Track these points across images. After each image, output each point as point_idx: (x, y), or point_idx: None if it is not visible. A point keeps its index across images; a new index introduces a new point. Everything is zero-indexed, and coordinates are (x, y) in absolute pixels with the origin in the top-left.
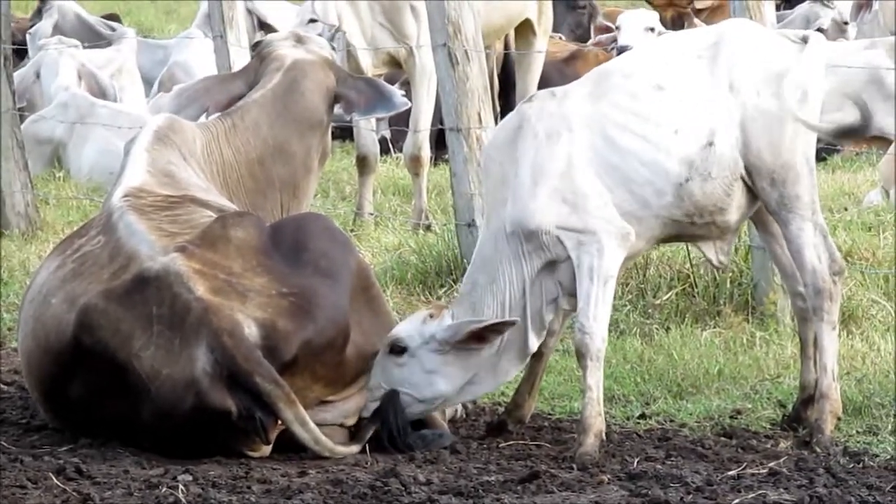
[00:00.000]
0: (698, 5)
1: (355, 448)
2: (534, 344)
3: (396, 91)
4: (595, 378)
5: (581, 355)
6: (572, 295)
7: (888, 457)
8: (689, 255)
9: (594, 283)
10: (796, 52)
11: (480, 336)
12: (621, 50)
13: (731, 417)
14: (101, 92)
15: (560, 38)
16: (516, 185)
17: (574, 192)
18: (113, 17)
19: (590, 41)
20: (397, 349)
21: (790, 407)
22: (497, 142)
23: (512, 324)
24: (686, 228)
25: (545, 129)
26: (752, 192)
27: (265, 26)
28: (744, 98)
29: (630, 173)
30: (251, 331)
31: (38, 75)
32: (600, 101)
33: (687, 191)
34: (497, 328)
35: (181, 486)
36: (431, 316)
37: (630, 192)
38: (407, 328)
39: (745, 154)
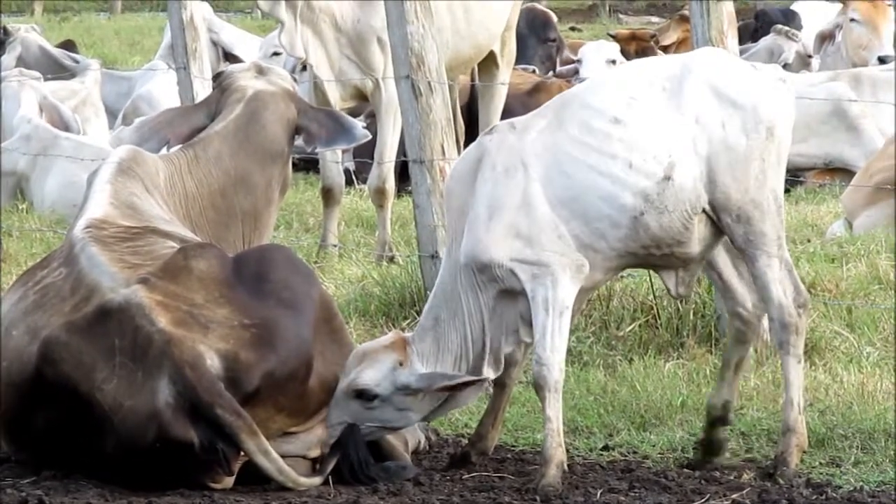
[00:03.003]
0: (664, 41)
1: (318, 480)
2: (490, 374)
3: (357, 123)
4: (554, 409)
5: (539, 387)
6: (532, 325)
7: (851, 488)
8: (652, 286)
9: (549, 315)
10: (764, 84)
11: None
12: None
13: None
14: (63, 124)
15: (534, 70)
16: (472, 218)
17: (529, 226)
18: (69, 44)
19: (548, 74)
20: (368, 396)
21: (753, 438)
22: (457, 173)
23: (484, 380)
24: (645, 259)
25: (503, 162)
26: (717, 226)
27: (230, 57)
28: (709, 132)
29: (585, 206)
30: (213, 362)
31: None
32: (557, 133)
33: (643, 224)
34: (471, 384)
35: None
36: (401, 364)
37: (586, 225)
38: (375, 377)
39: (710, 189)
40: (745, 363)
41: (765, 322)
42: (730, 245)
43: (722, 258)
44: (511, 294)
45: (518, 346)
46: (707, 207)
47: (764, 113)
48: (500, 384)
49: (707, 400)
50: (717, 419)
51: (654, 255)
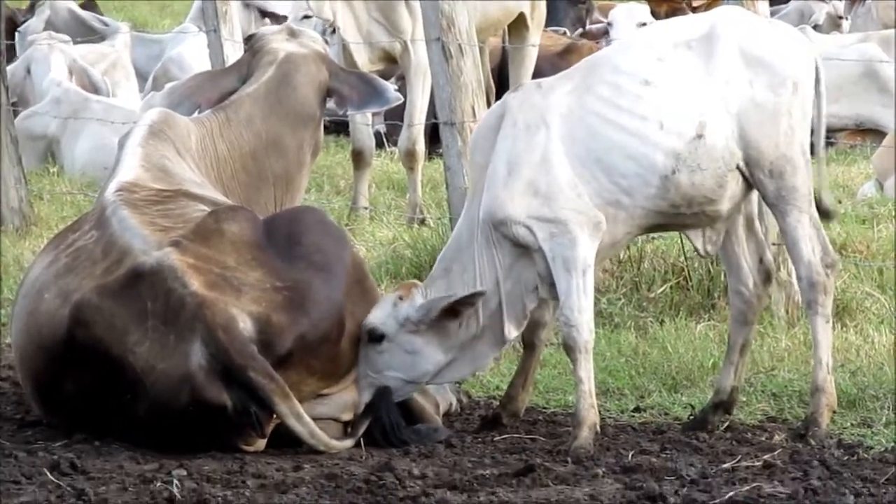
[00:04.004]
0: (695, 3)
1: (350, 442)
2: (511, 332)
3: (389, 86)
4: (586, 370)
5: (569, 348)
6: (552, 284)
7: (882, 449)
8: (683, 248)
9: (572, 276)
10: (786, 40)
11: (454, 311)
12: None
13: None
14: (92, 87)
15: (564, 32)
16: (491, 174)
17: (548, 184)
18: (90, 4)
19: (576, 32)
20: (375, 337)
21: (784, 399)
22: (481, 130)
23: (481, 294)
24: (675, 219)
25: (525, 120)
26: (747, 182)
27: (267, 15)
28: (738, 91)
29: (613, 165)
30: (246, 325)
31: (28, 71)
32: (585, 95)
33: (674, 182)
34: (468, 301)
35: (175, 481)
36: (401, 298)
37: (614, 183)
38: (379, 315)
39: (743, 146)
40: (749, 345)
41: (795, 283)
42: (745, 221)
43: (737, 233)
44: (528, 252)
45: (546, 306)
46: (741, 164)
47: (788, 69)
48: (529, 345)
49: (716, 382)
50: (720, 404)
51: (685, 214)
